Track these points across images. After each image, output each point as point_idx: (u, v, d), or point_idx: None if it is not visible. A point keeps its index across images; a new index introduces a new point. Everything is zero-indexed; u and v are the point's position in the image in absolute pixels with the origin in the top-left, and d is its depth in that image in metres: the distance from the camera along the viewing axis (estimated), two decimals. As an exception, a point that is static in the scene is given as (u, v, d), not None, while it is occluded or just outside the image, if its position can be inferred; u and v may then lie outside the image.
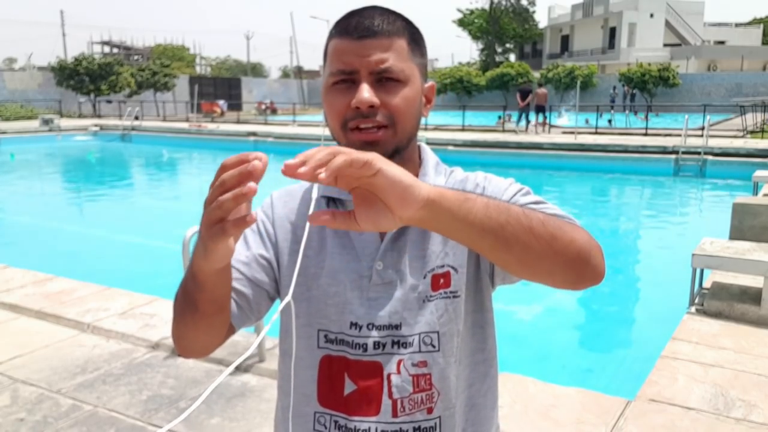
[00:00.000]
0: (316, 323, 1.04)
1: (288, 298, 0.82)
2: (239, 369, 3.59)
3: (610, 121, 22.72)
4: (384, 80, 0.96)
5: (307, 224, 0.94)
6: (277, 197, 1.13)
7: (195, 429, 2.96)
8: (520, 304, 5.91)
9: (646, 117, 20.61)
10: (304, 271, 1.05)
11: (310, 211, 0.96)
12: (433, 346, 1.03)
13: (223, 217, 0.73)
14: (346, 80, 0.96)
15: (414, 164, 1.08)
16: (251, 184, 0.70)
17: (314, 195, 0.97)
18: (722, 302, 4.34)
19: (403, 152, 1.02)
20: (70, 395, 3.29)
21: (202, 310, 0.92)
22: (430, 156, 1.11)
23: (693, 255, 4.48)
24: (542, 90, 20.73)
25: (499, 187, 1.06)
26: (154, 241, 8.35)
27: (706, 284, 4.78)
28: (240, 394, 3.30)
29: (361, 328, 1.02)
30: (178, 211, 10.92)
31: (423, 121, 1.15)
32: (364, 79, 0.95)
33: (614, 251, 8.83)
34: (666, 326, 4.35)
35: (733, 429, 2.88)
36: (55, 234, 9.25)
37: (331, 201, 1.07)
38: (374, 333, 1.02)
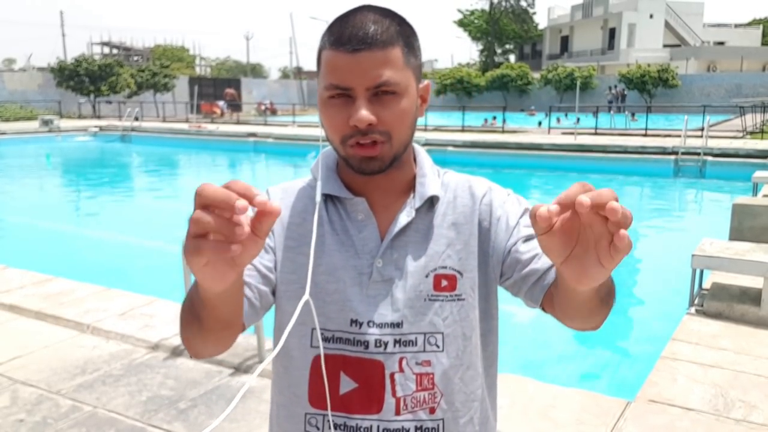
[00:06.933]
0: (310, 321, 1.00)
1: (306, 296, 0.79)
2: (239, 370, 3.59)
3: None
4: (380, 93, 0.95)
5: (315, 225, 0.95)
6: (273, 193, 1.12)
7: (195, 429, 2.96)
8: (520, 304, 5.88)
9: (634, 117, 20.50)
10: (300, 269, 1.04)
11: (316, 213, 0.97)
12: (438, 347, 1.04)
13: (199, 233, 0.65)
14: (342, 94, 0.96)
15: (410, 165, 1.09)
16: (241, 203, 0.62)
17: (318, 199, 0.98)
18: (722, 303, 4.34)
19: (401, 157, 1.03)
20: (70, 396, 3.28)
21: (207, 327, 0.89)
22: (425, 158, 1.12)
23: (693, 256, 4.48)
24: None
25: (510, 212, 1.07)
26: (154, 242, 8.35)
27: (706, 285, 4.79)
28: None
29: (361, 325, 1.02)
30: (178, 211, 10.89)
31: (423, 121, 1.15)
32: (360, 96, 0.95)
33: (614, 252, 8.82)
34: (666, 327, 4.35)
35: (732, 430, 2.88)
36: (55, 234, 9.25)
37: (330, 199, 1.07)
38: (375, 330, 1.02)
